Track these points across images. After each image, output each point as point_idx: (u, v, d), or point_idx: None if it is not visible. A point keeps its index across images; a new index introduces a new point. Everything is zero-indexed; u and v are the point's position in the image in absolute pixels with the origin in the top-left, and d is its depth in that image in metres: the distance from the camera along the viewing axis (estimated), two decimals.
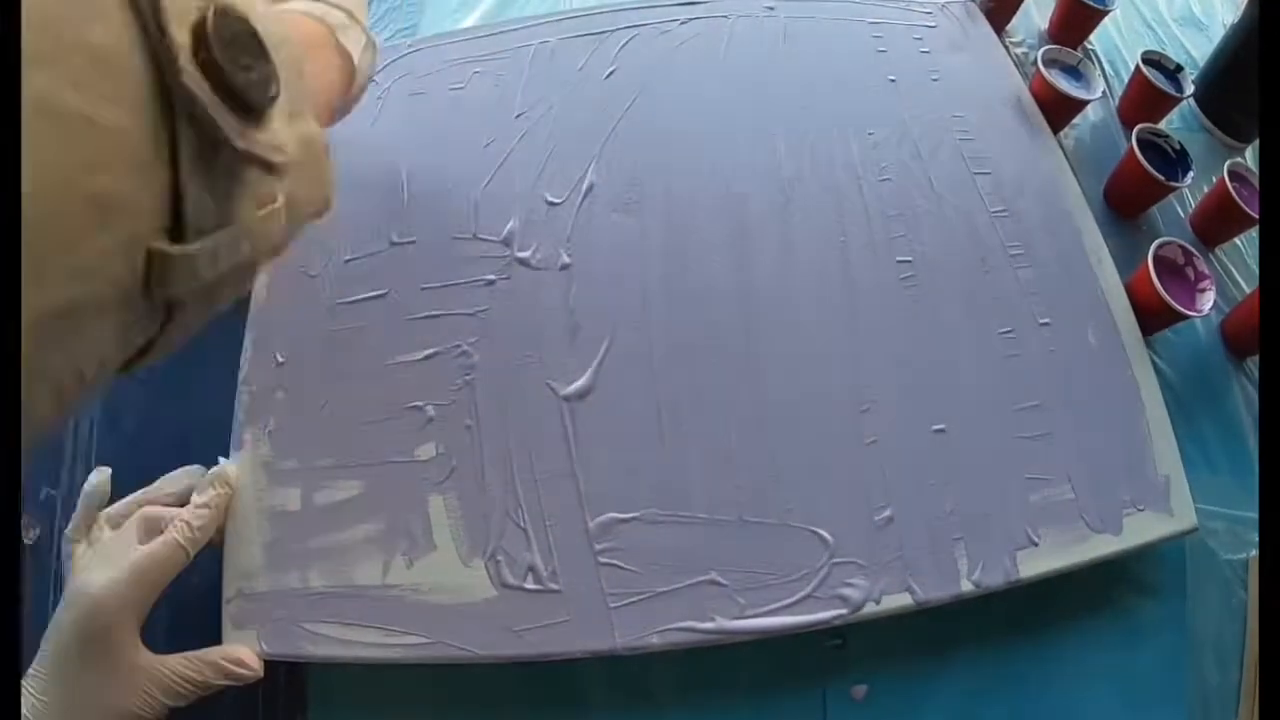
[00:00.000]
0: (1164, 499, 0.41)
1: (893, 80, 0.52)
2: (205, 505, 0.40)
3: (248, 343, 0.46)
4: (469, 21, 0.68)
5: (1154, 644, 0.40)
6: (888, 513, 0.40)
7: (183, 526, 0.38)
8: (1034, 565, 0.39)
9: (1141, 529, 0.40)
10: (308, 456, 0.42)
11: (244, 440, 0.43)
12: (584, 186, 0.48)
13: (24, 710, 0.32)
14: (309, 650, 0.38)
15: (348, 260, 0.47)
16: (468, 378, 0.43)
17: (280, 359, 0.45)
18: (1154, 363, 0.47)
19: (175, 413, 0.50)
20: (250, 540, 0.41)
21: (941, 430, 0.42)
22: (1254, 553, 0.43)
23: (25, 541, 0.48)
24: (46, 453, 0.50)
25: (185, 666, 0.36)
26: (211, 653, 0.37)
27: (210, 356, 0.50)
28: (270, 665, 0.40)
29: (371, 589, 0.39)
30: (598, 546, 0.39)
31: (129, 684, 0.34)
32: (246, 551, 0.40)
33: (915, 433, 0.41)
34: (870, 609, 0.38)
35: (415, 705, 0.40)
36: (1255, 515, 0.43)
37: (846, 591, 0.38)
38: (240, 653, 0.37)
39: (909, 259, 0.46)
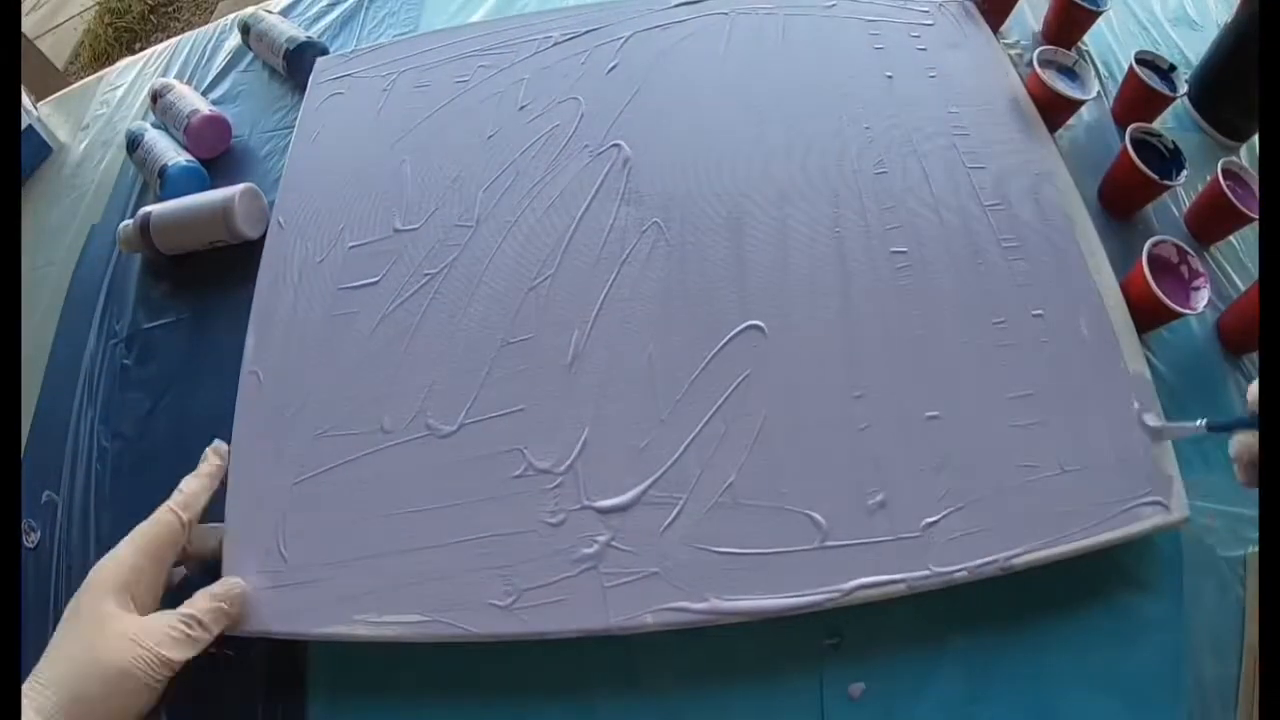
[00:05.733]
0: (1156, 489, 0.42)
1: (889, 77, 0.55)
2: (197, 475, 0.43)
3: (251, 328, 0.48)
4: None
5: (1151, 641, 0.41)
6: (880, 497, 0.41)
7: (175, 495, 0.41)
8: (1026, 554, 0.40)
9: (1134, 520, 0.41)
10: (306, 437, 0.45)
11: (246, 420, 0.46)
12: (586, 178, 0.51)
13: (26, 702, 0.33)
14: (306, 629, 0.40)
15: (352, 246, 0.50)
16: (469, 359, 0.46)
17: (284, 342, 0.47)
18: (1150, 361, 0.48)
19: (175, 414, 0.52)
20: (248, 519, 0.43)
21: (935, 417, 0.43)
22: (1253, 549, 0.44)
23: (27, 545, 0.50)
24: (47, 457, 0.53)
25: (176, 612, 0.38)
26: (198, 594, 0.39)
27: (209, 358, 0.53)
28: (271, 651, 0.43)
29: (369, 568, 0.41)
30: (594, 528, 0.41)
31: (120, 642, 0.35)
32: (244, 530, 0.43)
33: (908, 419, 0.43)
34: (861, 594, 0.39)
35: (414, 691, 0.41)
36: (1252, 512, 0.44)
37: (839, 574, 0.40)
38: (233, 591, 0.40)
39: (903, 250, 0.48)
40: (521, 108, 0.54)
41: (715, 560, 0.40)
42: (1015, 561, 0.40)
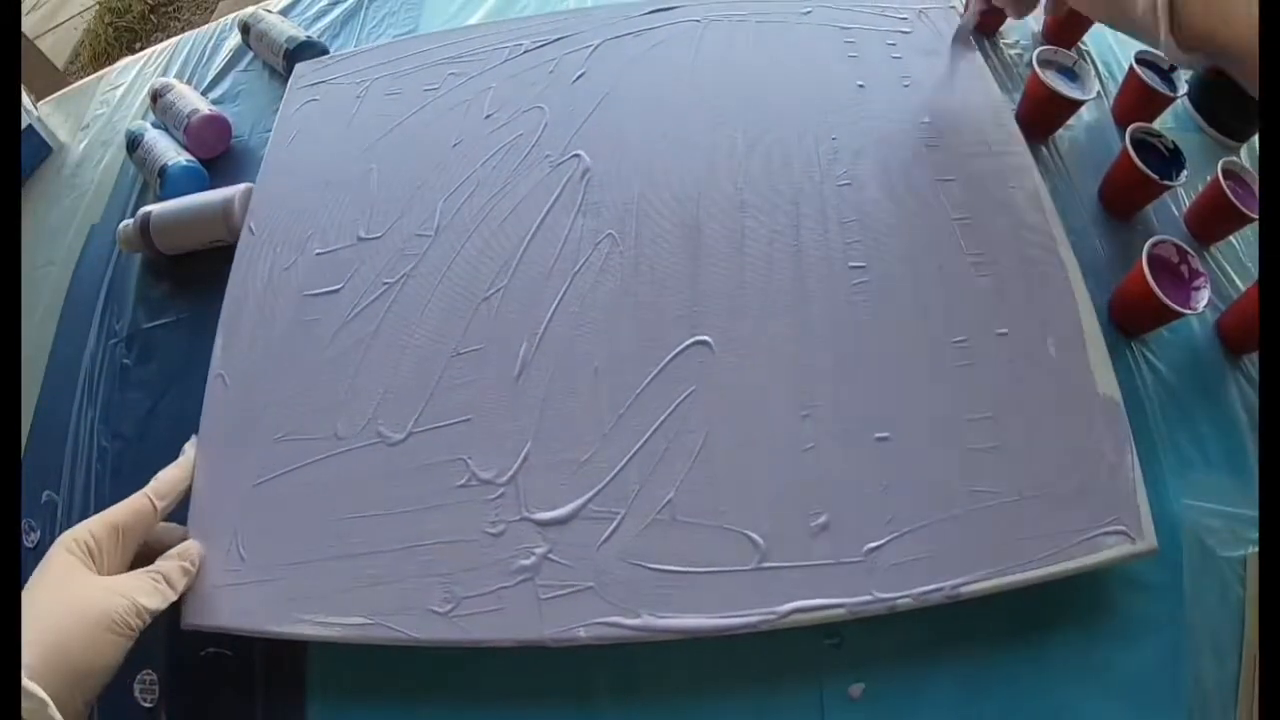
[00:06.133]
0: (1121, 518, 0.41)
1: (861, 85, 0.54)
2: (175, 465, 0.46)
3: (220, 331, 0.51)
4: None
5: (1152, 642, 0.41)
6: (823, 519, 0.41)
7: (151, 482, 0.44)
8: (975, 583, 0.39)
9: (1095, 549, 0.40)
10: (267, 440, 0.47)
11: (211, 422, 0.48)
12: (544, 189, 0.52)
13: None
14: (259, 626, 0.42)
15: (318, 254, 0.52)
16: (420, 368, 0.47)
17: (250, 347, 0.50)
18: (1150, 361, 0.48)
19: (175, 414, 0.54)
20: (211, 517, 0.45)
21: (885, 438, 0.43)
22: (1253, 549, 0.43)
23: (27, 545, 0.52)
24: (47, 457, 0.55)
25: (143, 570, 0.40)
26: (160, 558, 0.42)
27: (209, 358, 0.54)
28: (270, 651, 0.44)
29: (319, 570, 0.43)
30: (532, 539, 0.42)
31: (98, 592, 0.37)
32: (207, 528, 0.45)
33: (856, 440, 0.43)
34: (796, 617, 0.39)
35: (414, 691, 0.43)
36: (1252, 513, 0.44)
37: (775, 596, 0.40)
38: (191, 550, 0.43)
39: (863, 265, 0.47)
40: (487, 116, 0.55)
41: (650, 577, 0.41)
42: (963, 590, 0.40)
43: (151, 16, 2.28)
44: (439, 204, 0.52)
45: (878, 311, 0.46)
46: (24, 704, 0.31)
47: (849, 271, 0.47)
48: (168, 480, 0.44)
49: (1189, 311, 0.45)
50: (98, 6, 2.30)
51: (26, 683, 0.31)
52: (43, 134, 0.76)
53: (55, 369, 0.60)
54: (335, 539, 0.44)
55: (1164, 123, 0.57)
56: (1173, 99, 0.55)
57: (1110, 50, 0.62)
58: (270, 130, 0.63)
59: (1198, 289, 0.47)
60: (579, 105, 0.54)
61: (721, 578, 0.40)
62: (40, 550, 0.51)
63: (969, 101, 0.53)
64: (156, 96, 0.71)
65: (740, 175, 0.51)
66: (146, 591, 0.39)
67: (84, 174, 0.73)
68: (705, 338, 0.46)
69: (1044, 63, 0.55)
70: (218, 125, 0.68)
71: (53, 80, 1.50)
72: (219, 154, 0.68)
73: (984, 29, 0.63)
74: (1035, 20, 0.63)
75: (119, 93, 0.80)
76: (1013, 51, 0.62)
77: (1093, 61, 0.61)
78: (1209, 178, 0.51)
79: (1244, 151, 0.58)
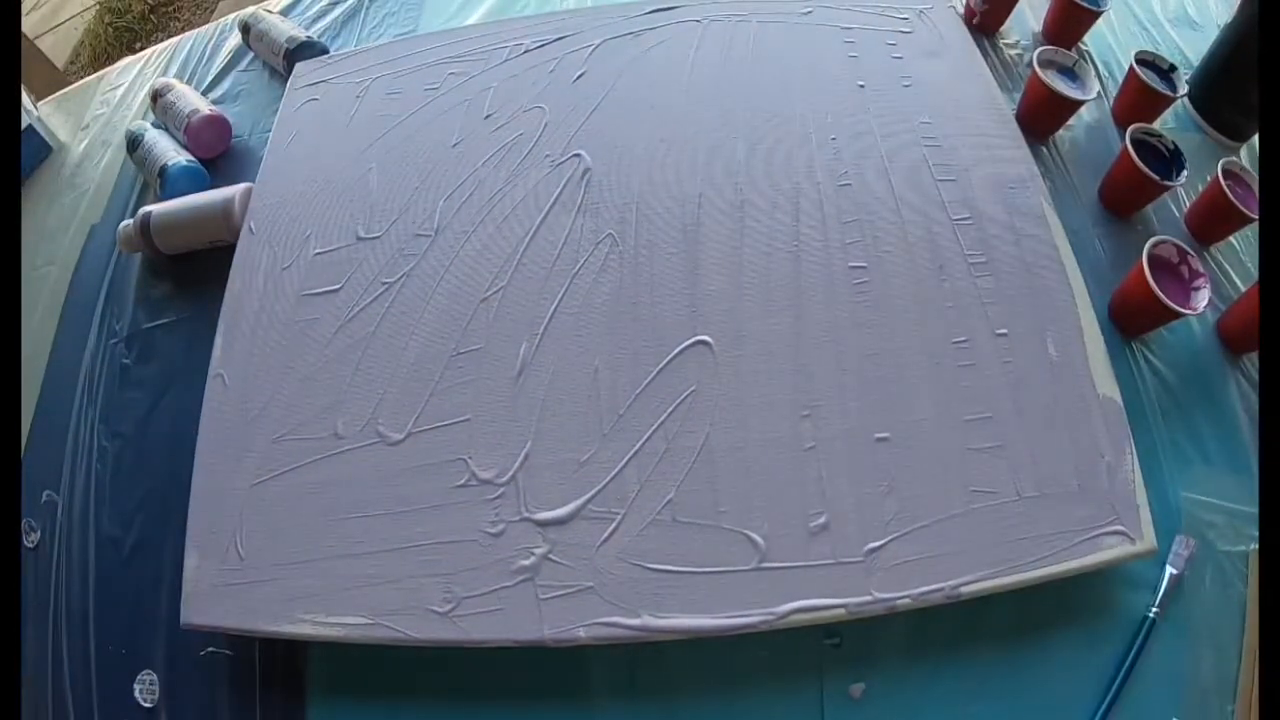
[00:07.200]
0: (1120, 519, 0.41)
1: (861, 85, 0.54)
2: None
3: (219, 331, 0.51)
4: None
5: (1151, 641, 0.41)
6: (822, 519, 0.41)
7: None
8: (975, 583, 0.40)
9: (1094, 549, 0.40)
10: (265, 440, 0.47)
11: (210, 422, 0.48)
12: (545, 189, 0.52)
13: None
14: (257, 626, 0.42)
15: (316, 254, 0.52)
16: (420, 368, 0.47)
17: (249, 347, 0.50)
18: (1150, 361, 0.48)
19: (174, 414, 0.54)
20: (210, 517, 0.45)
21: (885, 438, 0.43)
22: (1254, 546, 0.43)
23: (27, 545, 0.52)
24: (47, 457, 0.55)
25: None
26: None
27: (209, 358, 0.54)
28: (270, 651, 0.45)
29: (318, 570, 0.43)
30: (532, 539, 0.42)
31: None
32: (205, 528, 0.45)
33: (856, 440, 0.43)
34: (796, 617, 0.39)
35: (413, 691, 0.43)
36: (1252, 509, 0.44)
37: (774, 597, 0.40)
38: None
39: (863, 265, 0.48)
40: (487, 116, 0.55)
41: (650, 577, 0.41)
42: (963, 590, 0.40)
43: (151, 16, 2.27)
44: (439, 204, 0.52)
45: (878, 311, 0.46)
46: None
47: (849, 271, 0.47)
48: None
49: (1189, 312, 0.45)
50: (98, 6, 2.30)
51: None
52: (43, 134, 0.76)
53: (55, 369, 0.60)
54: (335, 539, 0.44)
55: (1164, 123, 0.57)
56: (1173, 99, 0.55)
57: (1110, 50, 0.62)
58: (270, 130, 0.64)
59: (1198, 289, 0.47)
60: (579, 105, 0.54)
61: (721, 578, 0.40)
62: (40, 550, 0.52)
63: (969, 102, 0.53)
64: (156, 96, 0.71)
65: (740, 175, 0.51)
66: None
67: (84, 174, 0.73)
68: (705, 338, 0.46)
69: (1044, 63, 0.55)
70: (218, 125, 0.68)
71: (53, 80, 1.50)
72: (219, 154, 0.68)
73: (984, 29, 0.63)
74: (1035, 19, 0.63)
75: (119, 93, 0.80)
76: (1013, 51, 0.62)
77: (1093, 61, 0.61)
78: (1209, 178, 0.51)
79: (1244, 151, 0.58)
